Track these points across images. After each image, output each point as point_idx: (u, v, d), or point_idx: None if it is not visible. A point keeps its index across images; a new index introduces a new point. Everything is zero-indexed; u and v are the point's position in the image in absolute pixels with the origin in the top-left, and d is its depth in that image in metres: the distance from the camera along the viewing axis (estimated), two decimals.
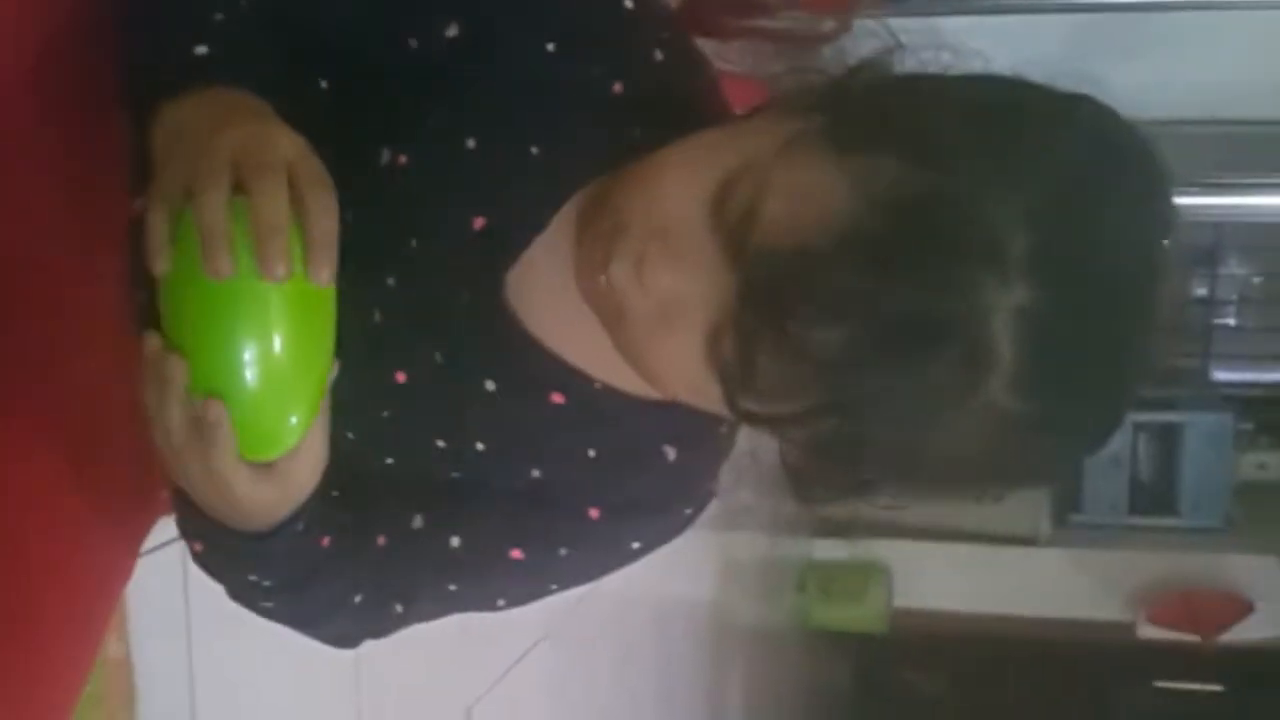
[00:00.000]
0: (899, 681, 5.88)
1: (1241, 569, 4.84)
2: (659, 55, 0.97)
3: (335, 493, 0.97)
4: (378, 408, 1.00)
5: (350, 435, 0.99)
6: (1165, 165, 0.84)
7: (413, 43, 0.95)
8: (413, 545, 1.03)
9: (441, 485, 1.04)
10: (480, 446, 1.01)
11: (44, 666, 1.00)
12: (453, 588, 1.05)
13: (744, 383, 0.82)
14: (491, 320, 0.97)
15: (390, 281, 0.96)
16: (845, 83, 0.87)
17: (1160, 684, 5.46)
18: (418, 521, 1.03)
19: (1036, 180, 0.79)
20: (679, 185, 0.86)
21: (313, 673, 1.79)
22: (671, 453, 1.01)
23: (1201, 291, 4.65)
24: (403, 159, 0.94)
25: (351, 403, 0.97)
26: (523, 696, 2.47)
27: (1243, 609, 4.80)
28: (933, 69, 0.87)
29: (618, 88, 0.96)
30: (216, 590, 1.01)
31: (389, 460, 1.03)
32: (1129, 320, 0.82)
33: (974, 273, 0.77)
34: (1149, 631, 4.82)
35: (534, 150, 0.94)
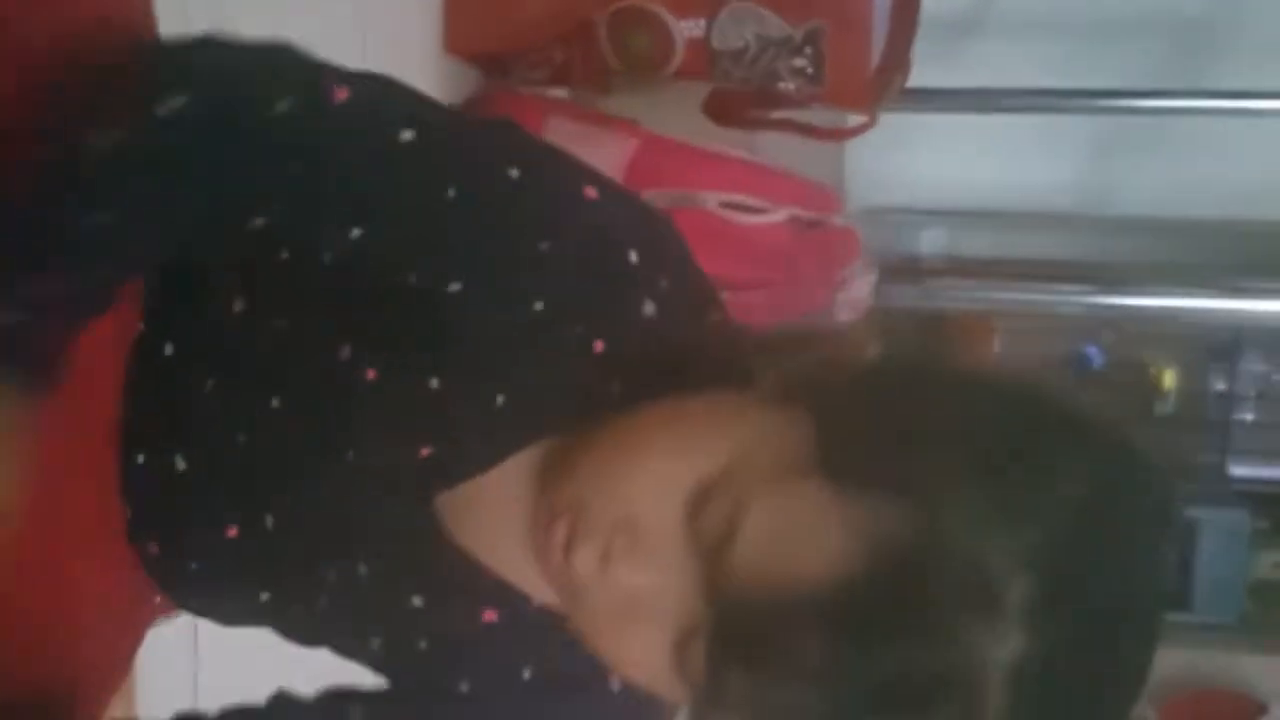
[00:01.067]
0: None
1: (1256, 669, 4.80)
2: (649, 309, 0.94)
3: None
4: (302, 604, 1.00)
5: (297, 609, 1.01)
6: (1173, 491, 0.83)
7: (413, 281, 0.93)
8: None
9: (374, 699, 1.04)
10: (423, 645, 0.99)
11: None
12: None
13: (712, 697, 0.79)
14: (423, 534, 0.95)
15: (323, 488, 0.95)
16: (836, 384, 0.84)
17: None
18: None
19: (1037, 521, 0.77)
20: (654, 480, 0.83)
21: None
22: (617, 682, 0.98)
23: (1220, 387, 4.64)
24: (370, 374, 0.93)
25: (271, 603, 1.00)
26: None
27: (1256, 710, 4.75)
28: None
29: (599, 346, 0.94)
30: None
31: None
32: (1127, 659, 0.81)
33: (967, 629, 0.74)
34: None
35: (499, 399, 0.93)
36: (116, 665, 1.07)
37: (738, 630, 0.77)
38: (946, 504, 0.75)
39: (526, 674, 0.99)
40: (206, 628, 1.52)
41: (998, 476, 0.76)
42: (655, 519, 0.82)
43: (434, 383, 0.92)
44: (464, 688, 1.00)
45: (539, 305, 0.92)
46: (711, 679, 0.78)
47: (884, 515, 0.74)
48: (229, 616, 1.09)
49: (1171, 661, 4.77)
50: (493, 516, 0.95)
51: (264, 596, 1.02)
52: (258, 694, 1.63)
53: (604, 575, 0.83)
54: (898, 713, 0.74)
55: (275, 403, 0.95)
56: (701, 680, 0.79)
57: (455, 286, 0.92)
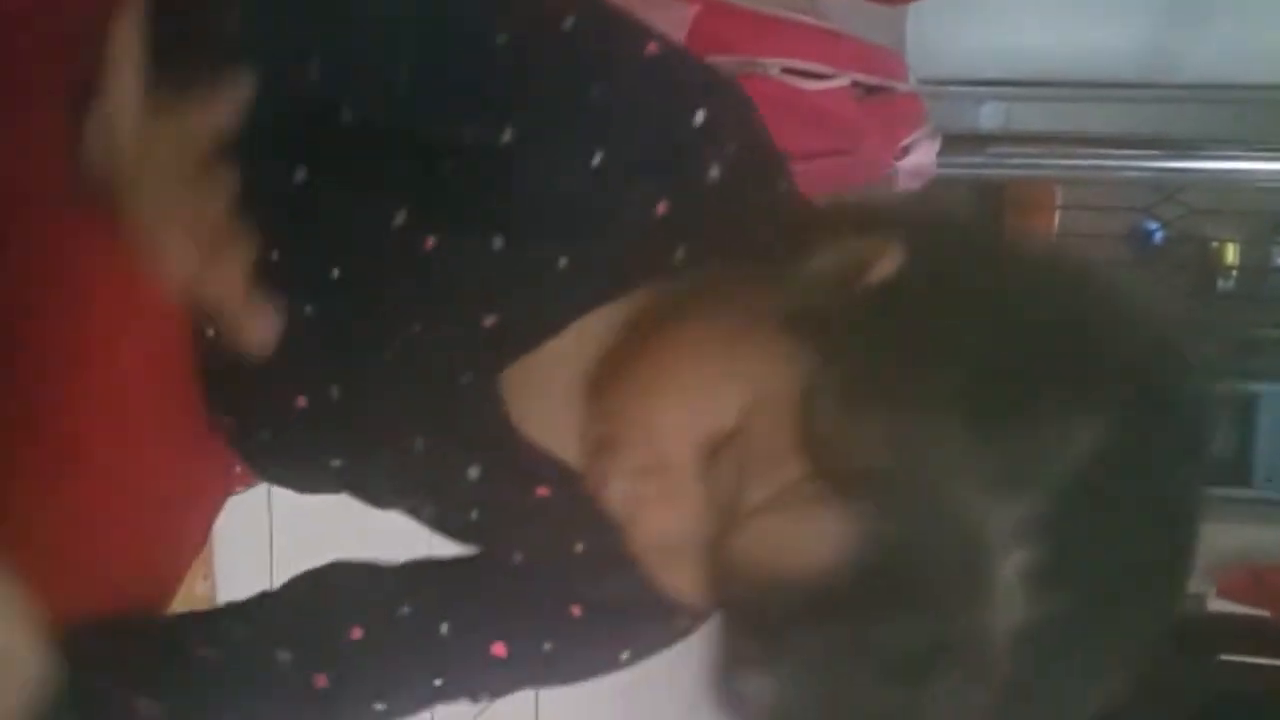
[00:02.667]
0: None
1: None
2: (714, 173, 0.92)
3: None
4: (370, 471, 1.02)
5: (370, 474, 1.02)
6: (1208, 411, 0.82)
7: (466, 137, 0.92)
8: (397, 633, 1.03)
9: (429, 566, 1.06)
10: (474, 515, 1.01)
11: (133, 597, 1.02)
12: (437, 683, 1.05)
13: (728, 659, 0.82)
14: (482, 411, 0.96)
15: (387, 357, 0.95)
16: (839, 319, 0.81)
17: (1227, 658, 5.42)
18: (404, 608, 1.03)
19: (1038, 486, 0.75)
20: (674, 422, 0.83)
21: None
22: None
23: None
24: (430, 241, 0.92)
25: (343, 469, 1.01)
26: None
27: None
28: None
29: (662, 208, 0.92)
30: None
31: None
32: (1139, 621, 0.81)
33: (965, 601, 0.74)
34: (1218, 605, 4.78)
35: (562, 262, 0.92)
36: (196, 535, 1.08)
37: (740, 608, 0.79)
38: (940, 473, 0.74)
39: (579, 548, 1.00)
40: (280, 500, 1.54)
41: (999, 436, 0.75)
42: (675, 468, 0.83)
43: (496, 243, 0.91)
44: (517, 559, 1.01)
45: (598, 158, 0.90)
46: (724, 643, 0.81)
47: (875, 491, 0.74)
48: (304, 484, 1.11)
49: (1230, 536, 4.80)
50: (550, 395, 0.95)
51: (335, 463, 1.03)
52: None
53: (634, 515, 0.85)
54: (901, 684, 0.74)
55: (336, 274, 0.94)
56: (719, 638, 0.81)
57: (509, 136, 0.90)
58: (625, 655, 1.07)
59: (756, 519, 0.78)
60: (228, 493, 1.12)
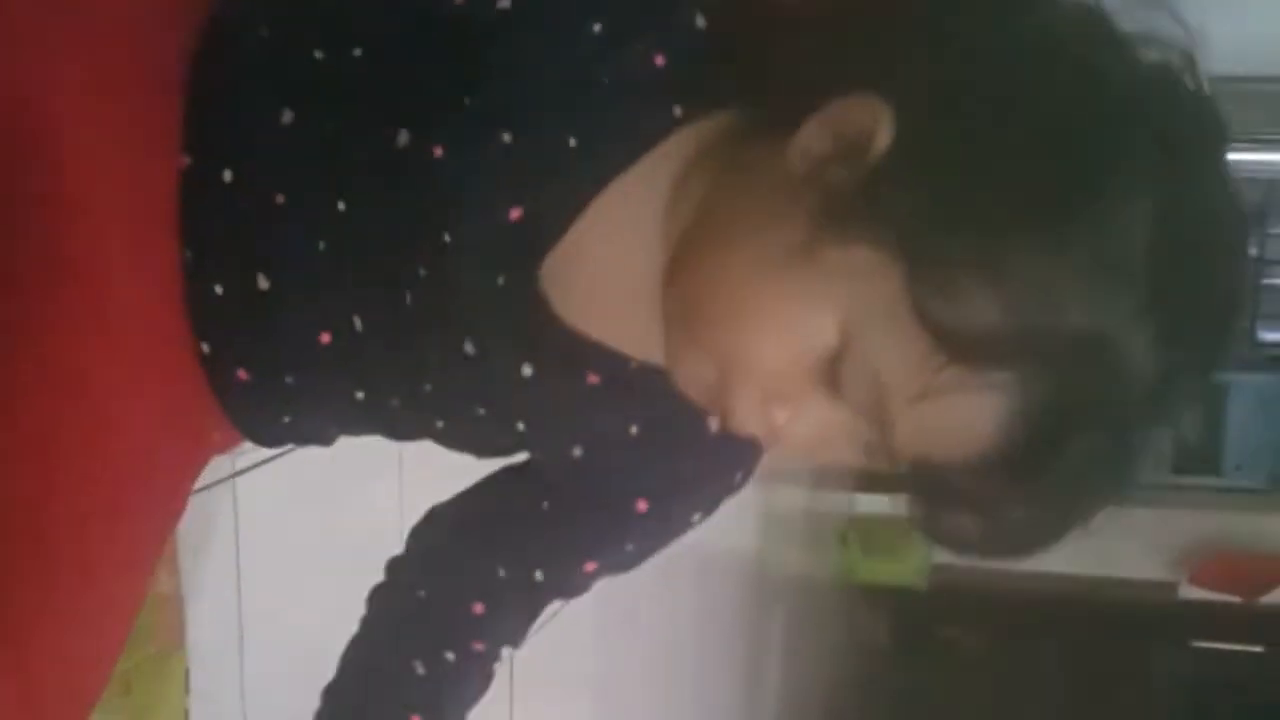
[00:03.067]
0: (937, 638, 5.88)
1: None
2: (701, 21, 0.93)
3: None
4: (400, 396, 1.01)
5: (395, 403, 1.01)
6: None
7: (461, 3, 0.92)
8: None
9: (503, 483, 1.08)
10: (520, 426, 1.01)
11: (98, 600, 1.01)
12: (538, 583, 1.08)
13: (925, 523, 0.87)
14: (524, 307, 0.96)
15: (422, 272, 0.95)
16: (899, 207, 0.81)
17: (1199, 644, 5.45)
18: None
19: (1133, 265, 0.79)
20: (778, 359, 0.85)
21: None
22: (715, 422, 0.98)
23: (1249, 250, 4.62)
24: (438, 151, 0.92)
25: (367, 401, 1.00)
26: (564, 646, 2.48)
27: None
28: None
29: (659, 60, 0.93)
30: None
31: (439, 423, 1.04)
32: (1230, 335, 0.84)
33: (1121, 400, 0.80)
34: (1190, 592, 4.81)
35: (572, 141, 0.92)
36: (178, 498, 1.09)
37: (919, 481, 0.84)
38: (1052, 308, 0.77)
39: (634, 430, 1.01)
40: (246, 495, 1.54)
41: (1081, 240, 0.77)
42: (800, 390, 0.84)
43: (504, 137, 0.91)
44: (576, 453, 1.02)
45: (597, 27, 0.90)
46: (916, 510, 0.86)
47: (1010, 355, 0.78)
48: (314, 430, 1.11)
49: (1201, 525, 4.83)
50: (591, 283, 0.95)
51: (359, 395, 1.02)
52: (298, 565, 1.65)
53: (776, 439, 0.87)
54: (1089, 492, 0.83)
55: (341, 206, 0.95)
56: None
57: (504, 3, 0.91)
58: (696, 517, 1.08)
59: (909, 418, 0.81)
60: (205, 460, 1.12)
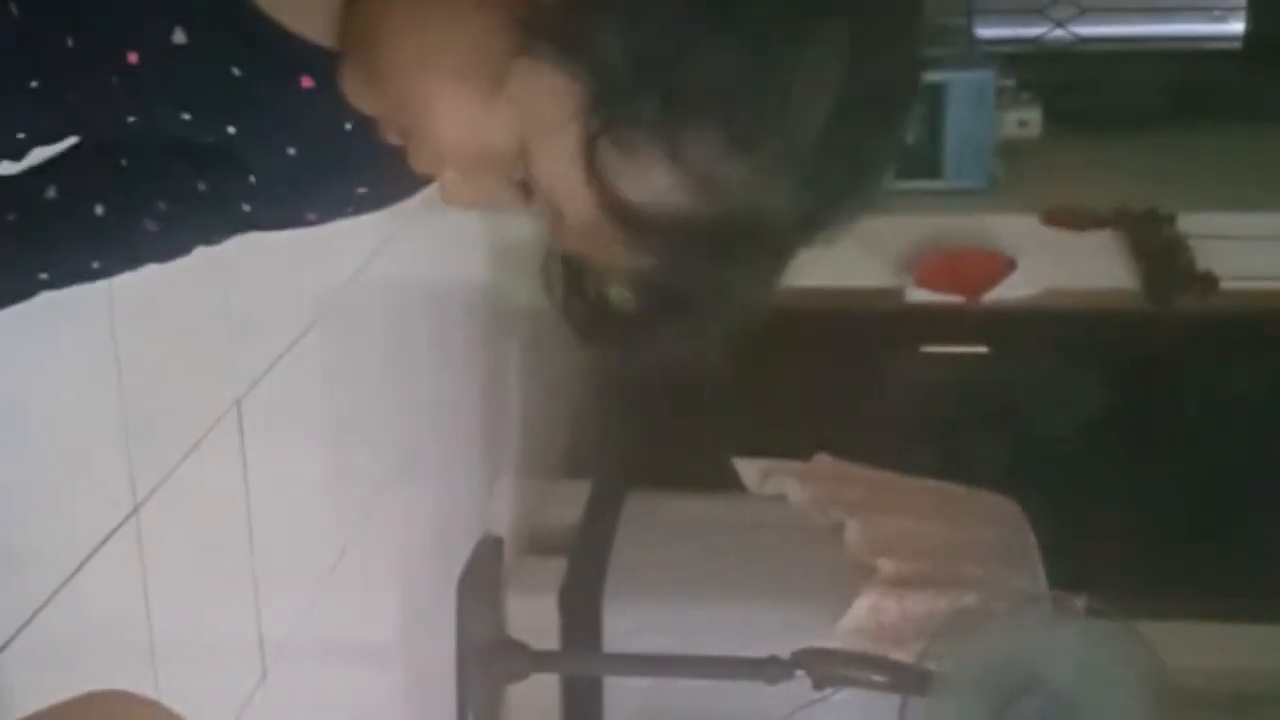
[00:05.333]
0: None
1: (1004, 228, 4.95)
2: None
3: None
4: (106, 77, 0.95)
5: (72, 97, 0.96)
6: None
7: None
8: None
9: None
10: (231, 129, 0.98)
11: None
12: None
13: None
14: (228, 10, 0.93)
15: None
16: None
17: (927, 349, 5.61)
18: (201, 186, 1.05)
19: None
20: (460, 144, 0.86)
21: (72, 374, 1.71)
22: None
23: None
24: None
25: (79, 69, 0.94)
26: (293, 386, 2.41)
27: (1005, 267, 4.91)
28: None
29: None
30: None
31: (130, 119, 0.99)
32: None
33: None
34: (917, 295, 4.91)
35: None
36: None
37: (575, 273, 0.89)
38: (704, 202, 0.80)
39: (348, 126, 0.99)
40: None
41: (752, 144, 0.79)
42: (476, 169, 0.87)
43: None
44: (291, 151, 1.01)
45: None
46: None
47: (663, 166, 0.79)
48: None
49: (923, 226, 4.92)
50: None
51: (34, 84, 0.96)
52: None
53: (444, 191, 0.89)
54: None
55: None
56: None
57: None
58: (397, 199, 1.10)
59: (576, 234, 0.84)
60: None
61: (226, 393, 2.18)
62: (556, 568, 4.01)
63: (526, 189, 0.86)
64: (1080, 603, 3.15)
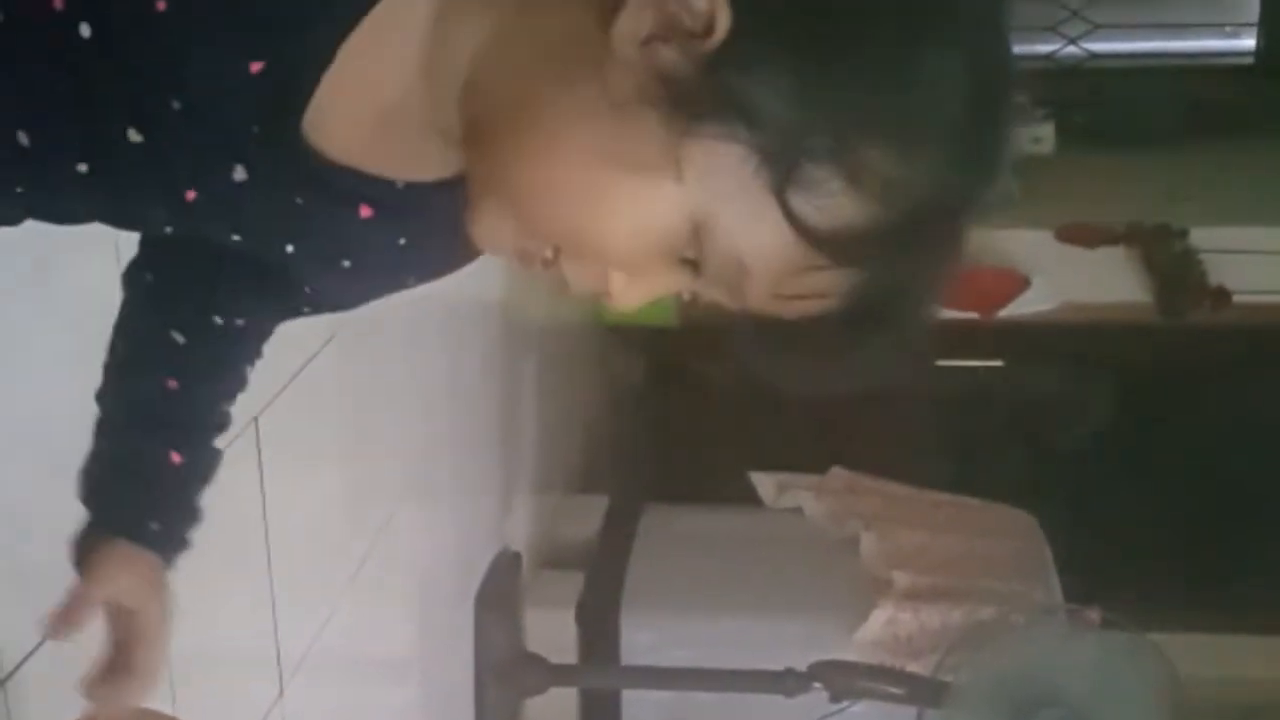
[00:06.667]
0: (690, 373, 5.96)
1: (1018, 244, 4.95)
2: None
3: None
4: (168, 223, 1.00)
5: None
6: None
7: None
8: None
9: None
10: (290, 249, 1.01)
11: None
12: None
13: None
14: (288, 152, 0.92)
15: (175, 105, 0.89)
16: (746, 94, 0.81)
17: (942, 363, 5.61)
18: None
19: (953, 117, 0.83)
20: (630, 245, 0.86)
21: (88, 389, 1.72)
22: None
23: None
24: (160, 5, 0.85)
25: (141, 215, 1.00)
26: (312, 400, 2.43)
27: (1019, 284, 4.92)
28: None
29: None
30: None
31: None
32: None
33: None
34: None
35: None
36: None
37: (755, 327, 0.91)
38: (893, 205, 0.82)
39: (402, 241, 1.03)
40: None
41: (920, 140, 0.82)
42: (647, 267, 0.88)
43: None
44: (345, 264, 1.03)
45: None
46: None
47: (877, 246, 0.83)
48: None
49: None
50: (348, 120, 0.92)
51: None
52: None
53: (609, 298, 0.90)
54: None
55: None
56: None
57: None
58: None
59: (766, 292, 0.87)
60: None
61: (244, 409, 2.20)
62: (574, 582, 4.02)
63: (694, 267, 0.87)
64: (1095, 615, 3.15)
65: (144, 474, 1.22)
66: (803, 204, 0.81)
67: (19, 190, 0.95)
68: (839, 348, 0.91)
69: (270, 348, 2.25)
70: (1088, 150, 5.17)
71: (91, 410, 1.23)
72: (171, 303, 1.20)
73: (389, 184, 0.97)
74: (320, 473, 2.61)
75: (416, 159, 0.95)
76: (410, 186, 0.98)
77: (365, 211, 0.98)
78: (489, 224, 0.90)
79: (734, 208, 0.82)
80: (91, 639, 1.17)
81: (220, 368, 1.25)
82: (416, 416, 3.14)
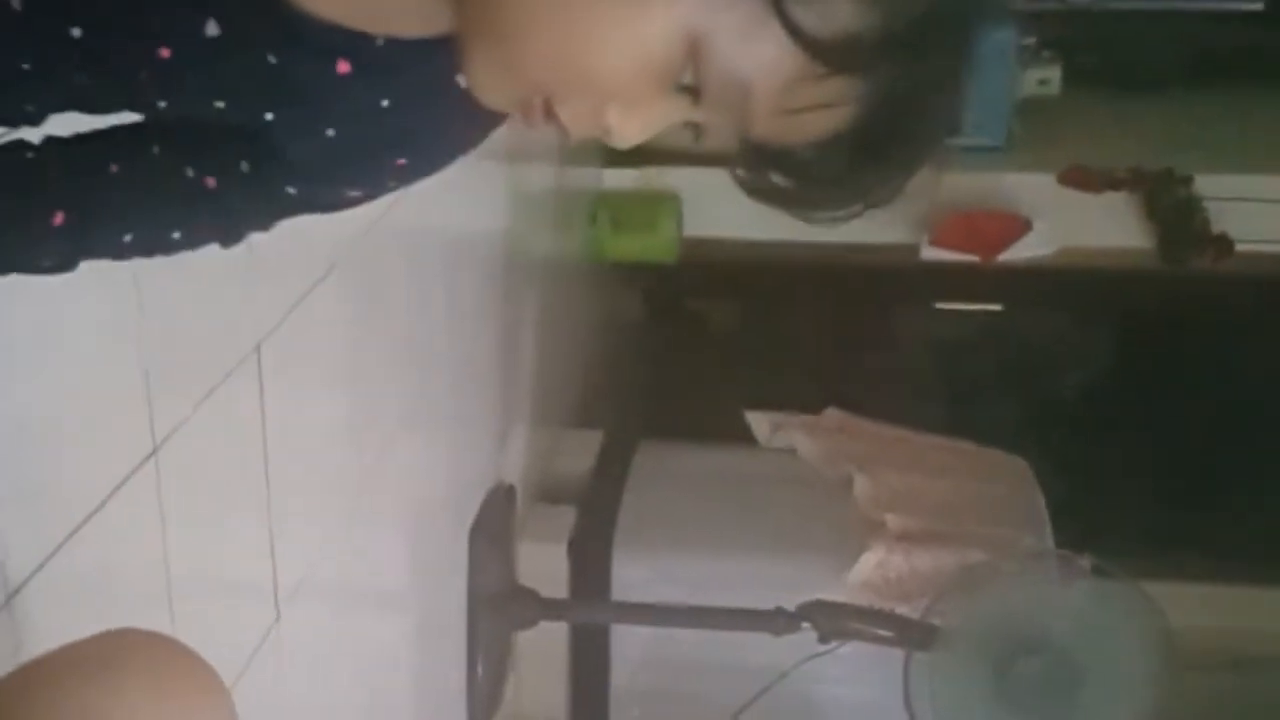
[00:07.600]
0: (690, 311, 5.96)
1: (1021, 188, 4.94)
2: None
3: None
4: (135, 70, 0.97)
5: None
6: None
7: None
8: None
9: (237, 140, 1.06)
10: (269, 116, 0.99)
11: None
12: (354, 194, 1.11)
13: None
14: (261, 5, 0.93)
15: None
16: None
17: (940, 305, 5.61)
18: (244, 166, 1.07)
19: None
20: (623, 72, 0.83)
21: (94, 316, 1.72)
22: (462, 80, 0.97)
23: None
24: None
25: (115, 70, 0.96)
26: (313, 328, 2.43)
27: (1021, 228, 4.91)
28: None
29: None
30: None
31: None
32: None
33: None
34: (931, 254, 4.91)
35: None
36: None
37: (761, 153, 0.87)
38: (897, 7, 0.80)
39: (385, 103, 1.00)
40: None
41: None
42: (644, 96, 0.84)
43: None
44: (329, 133, 1.01)
45: None
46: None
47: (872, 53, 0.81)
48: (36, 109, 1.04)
49: (940, 186, 4.91)
50: None
51: (80, 79, 0.98)
52: None
53: (607, 135, 0.87)
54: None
55: None
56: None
57: None
58: (446, 161, 1.11)
59: (772, 112, 0.83)
60: None
61: (246, 336, 2.20)
62: (567, 516, 4.04)
63: (694, 92, 0.83)
64: (1086, 562, 3.16)
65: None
66: (800, 10, 0.79)
67: (24, 66, 0.95)
68: (850, 167, 0.87)
69: (272, 276, 2.25)
70: (1094, 94, 5.15)
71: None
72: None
73: (367, 38, 0.95)
74: (320, 401, 2.61)
75: (395, 13, 0.93)
76: (390, 43, 0.96)
77: (343, 67, 0.96)
78: (482, 74, 0.87)
79: (730, 21, 0.79)
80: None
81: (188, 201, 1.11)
82: (415, 348, 3.13)
